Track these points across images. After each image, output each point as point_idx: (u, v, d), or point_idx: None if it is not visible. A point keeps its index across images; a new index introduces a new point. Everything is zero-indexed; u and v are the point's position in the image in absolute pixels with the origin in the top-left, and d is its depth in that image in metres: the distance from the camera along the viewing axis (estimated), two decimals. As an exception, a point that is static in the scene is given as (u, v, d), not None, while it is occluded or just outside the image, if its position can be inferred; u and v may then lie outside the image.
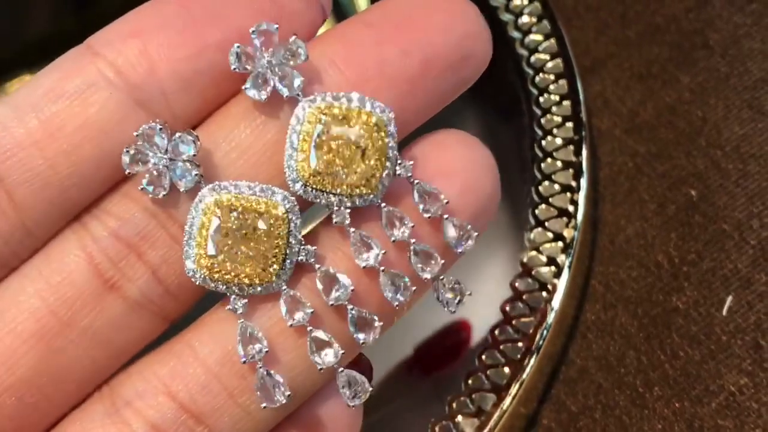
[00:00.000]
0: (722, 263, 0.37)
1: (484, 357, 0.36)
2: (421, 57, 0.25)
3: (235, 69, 0.25)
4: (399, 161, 0.25)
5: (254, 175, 0.25)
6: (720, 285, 0.37)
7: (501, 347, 0.35)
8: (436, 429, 0.35)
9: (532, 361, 0.35)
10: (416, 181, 0.25)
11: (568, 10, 0.43)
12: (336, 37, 0.26)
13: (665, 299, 0.37)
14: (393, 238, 0.25)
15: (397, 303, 0.25)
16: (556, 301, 0.36)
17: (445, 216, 0.25)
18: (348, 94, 0.25)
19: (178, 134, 0.25)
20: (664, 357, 0.36)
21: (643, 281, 0.38)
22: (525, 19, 0.41)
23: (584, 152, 0.38)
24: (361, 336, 0.25)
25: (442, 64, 0.25)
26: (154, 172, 0.25)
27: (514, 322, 0.36)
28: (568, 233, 0.37)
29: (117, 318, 0.25)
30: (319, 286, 0.25)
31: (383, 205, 0.25)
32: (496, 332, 0.36)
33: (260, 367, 0.25)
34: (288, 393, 0.25)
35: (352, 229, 0.25)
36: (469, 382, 0.35)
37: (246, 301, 0.25)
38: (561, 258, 0.36)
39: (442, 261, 0.25)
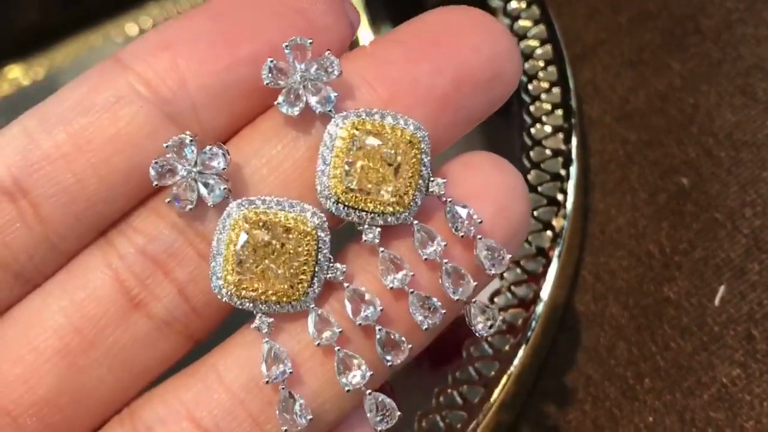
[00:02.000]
0: (714, 252, 0.37)
1: (472, 349, 0.35)
2: (453, 75, 0.25)
3: (267, 83, 0.24)
4: (432, 179, 0.25)
5: (284, 192, 0.25)
6: (712, 275, 0.36)
7: (489, 339, 0.35)
8: (423, 423, 0.34)
9: (521, 352, 0.35)
10: (449, 200, 0.25)
11: (558, -4, 0.43)
12: (367, 55, 0.26)
13: (656, 289, 0.37)
14: (425, 257, 0.25)
15: (426, 326, 0.25)
16: (545, 292, 0.35)
17: (479, 236, 0.25)
18: (381, 111, 0.25)
19: (208, 147, 0.24)
20: (656, 348, 0.36)
21: (634, 271, 0.37)
22: (514, 4, 0.40)
23: (574, 140, 0.37)
24: (389, 357, 0.25)
25: (473, 83, 0.25)
26: (182, 186, 0.24)
27: (502, 313, 0.35)
28: (557, 222, 0.36)
29: (142, 337, 0.25)
30: (348, 305, 0.25)
31: (415, 222, 0.25)
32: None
33: (283, 388, 0.24)
34: (309, 417, 0.24)
35: (381, 249, 0.25)
36: (457, 374, 0.35)
37: (272, 320, 0.25)
38: (550, 248, 0.36)
39: (474, 283, 0.25)
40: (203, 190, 0.24)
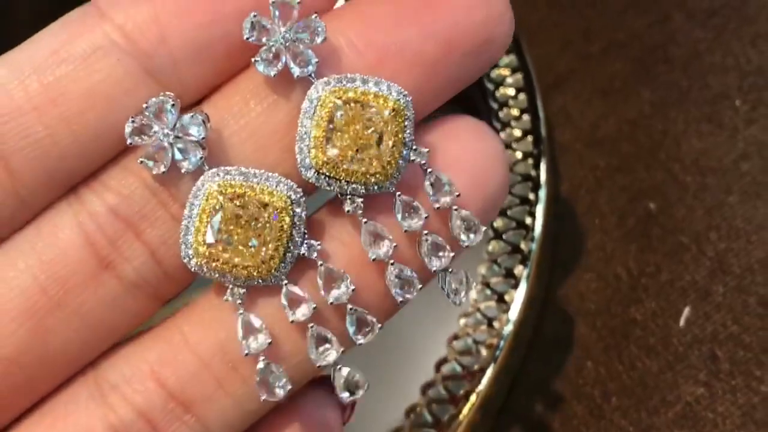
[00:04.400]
0: (680, 275, 0.38)
1: (442, 368, 0.36)
2: (443, 40, 0.24)
3: (248, 39, 0.24)
4: (415, 147, 0.25)
5: (262, 158, 0.24)
6: (678, 296, 0.37)
7: (459, 358, 0.36)
8: (393, 440, 0.35)
9: (490, 372, 0.35)
10: (430, 170, 0.25)
11: (532, 26, 0.44)
12: (354, 14, 0.25)
13: (624, 311, 0.38)
14: (407, 228, 0.24)
15: (401, 299, 0.25)
16: (513, 313, 0.36)
17: (454, 207, 0.25)
18: (364, 77, 0.24)
19: (189, 114, 0.24)
20: (622, 368, 0.37)
21: (602, 293, 0.38)
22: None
23: (543, 166, 0.38)
24: (360, 338, 0.24)
25: (464, 49, 0.24)
26: (158, 147, 0.24)
27: (471, 333, 0.36)
28: (525, 245, 0.37)
29: (111, 299, 0.24)
30: (320, 283, 0.24)
31: (399, 194, 0.25)
32: (455, 343, 0.36)
33: (262, 359, 0.24)
34: (289, 387, 0.24)
35: (365, 220, 0.24)
36: (428, 393, 0.35)
37: (244, 291, 0.24)
38: (519, 270, 0.37)
39: (452, 253, 0.25)
40: (178, 156, 0.24)
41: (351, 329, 0.24)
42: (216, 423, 0.25)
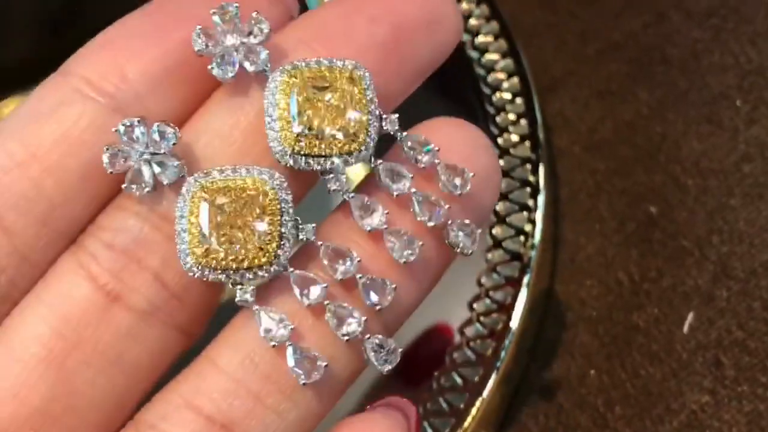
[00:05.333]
0: (683, 280, 0.37)
1: (442, 380, 0.35)
2: (389, 22, 0.25)
3: (199, 51, 0.25)
4: (384, 116, 0.25)
5: (241, 160, 0.25)
6: (681, 302, 0.37)
7: (459, 370, 0.35)
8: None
9: (491, 383, 0.35)
10: (404, 134, 0.25)
11: (527, 29, 0.43)
12: (303, 20, 0.26)
13: (626, 317, 0.37)
14: (396, 193, 0.25)
15: (404, 260, 0.25)
16: (515, 322, 0.36)
17: (436, 161, 0.25)
18: (316, 59, 0.25)
19: (155, 124, 0.24)
20: (625, 376, 0.36)
21: (603, 299, 0.37)
22: (482, 38, 0.41)
23: (541, 171, 0.38)
24: (375, 300, 0.24)
25: (412, 28, 0.26)
26: (137, 169, 0.24)
27: (472, 344, 0.35)
28: (525, 253, 0.36)
29: (125, 331, 0.25)
30: (325, 262, 0.24)
31: (379, 162, 0.25)
32: (455, 355, 0.35)
33: (290, 345, 0.24)
34: (325, 363, 0.24)
35: (351, 195, 0.25)
36: (428, 405, 0.35)
37: (253, 288, 0.24)
38: (519, 278, 0.36)
39: (447, 206, 0.25)
40: (158, 170, 0.24)
41: (366, 297, 0.24)
42: None
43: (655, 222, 0.38)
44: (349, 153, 0.25)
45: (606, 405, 0.36)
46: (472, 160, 0.26)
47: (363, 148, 0.25)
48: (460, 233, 0.25)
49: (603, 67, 0.42)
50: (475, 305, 0.36)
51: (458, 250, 0.25)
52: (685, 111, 0.40)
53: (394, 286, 0.25)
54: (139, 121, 0.24)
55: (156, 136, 0.24)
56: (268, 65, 0.25)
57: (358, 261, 0.24)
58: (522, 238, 0.37)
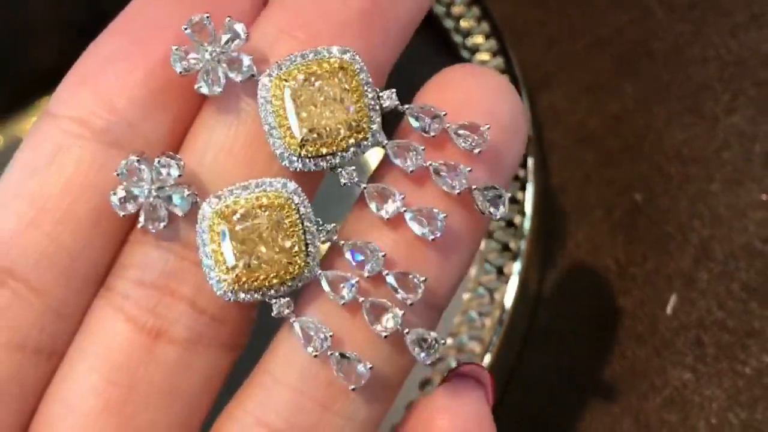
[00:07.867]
0: (666, 263, 0.39)
1: (438, 365, 0.37)
2: None
3: (181, 72, 0.24)
4: (380, 93, 0.25)
5: (250, 171, 0.24)
6: (664, 285, 0.39)
7: (455, 355, 0.37)
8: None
9: (486, 366, 0.37)
10: (406, 106, 0.24)
11: (518, 27, 0.45)
12: (277, 7, 0.25)
13: (613, 301, 0.39)
14: (410, 169, 0.24)
15: (431, 238, 0.24)
16: (506, 310, 0.38)
17: (447, 125, 0.24)
18: (301, 53, 0.24)
19: (157, 159, 0.24)
20: (613, 356, 0.38)
21: (592, 285, 0.40)
22: (473, 39, 0.43)
23: (530, 164, 0.40)
24: (405, 295, 0.24)
25: None
26: (149, 207, 0.24)
27: (466, 330, 0.38)
28: (515, 244, 0.39)
29: (174, 363, 0.25)
30: (350, 261, 0.24)
31: (386, 142, 0.25)
32: (450, 341, 0.38)
33: (331, 354, 0.24)
34: (369, 366, 0.24)
35: (364, 186, 0.24)
36: (426, 389, 0.37)
37: (288, 299, 0.24)
38: (509, 268, 0.38)
39: (468, 168, 0.24)
40: (170, 204, 0.24)
41: (396, 291, 0.24)
42: None
43: (640, 209, 0.40)
44: (357, 144, 0.24)
45: (594, 385, 0.38)
46: (493, 110, 0.25)
47: (370, 136, 0.24)
48: (490, 197, 0.24)
49: (591, 62, 0.44)
50: (466, 295, 0.38)
51: (488, 215, 0.24)
52: (668, 103, 0.42)
53: (423, 278, 0.24)
54: (139, 160, 0.24)
55: (160, 170, 0.24)
56: (255, 69, 0.24)
57: (383, 256, 0.24)
58: (512, 229, 0.39)
